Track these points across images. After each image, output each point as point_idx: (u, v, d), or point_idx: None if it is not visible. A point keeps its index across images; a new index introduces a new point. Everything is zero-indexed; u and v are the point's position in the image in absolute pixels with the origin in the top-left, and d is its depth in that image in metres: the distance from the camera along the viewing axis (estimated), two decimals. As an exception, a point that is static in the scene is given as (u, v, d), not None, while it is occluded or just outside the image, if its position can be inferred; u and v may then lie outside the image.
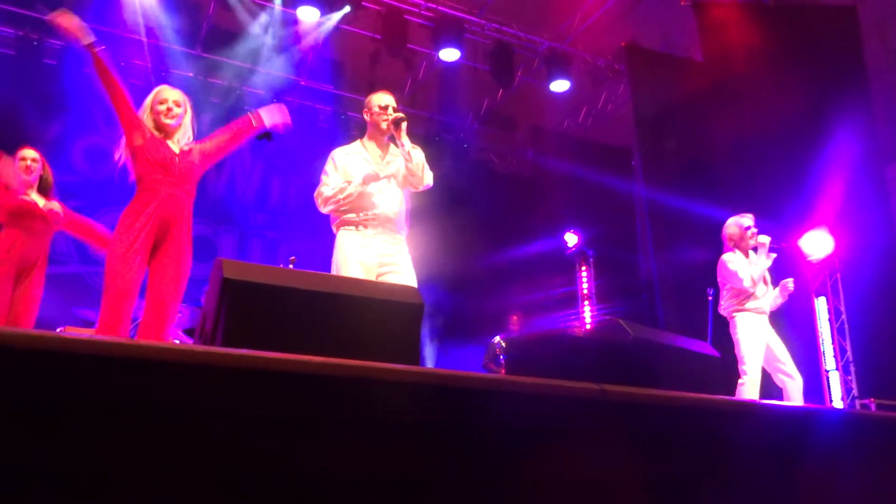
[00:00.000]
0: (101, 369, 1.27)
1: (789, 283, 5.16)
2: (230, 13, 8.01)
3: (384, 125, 3.72)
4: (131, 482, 1.26)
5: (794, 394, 4.86)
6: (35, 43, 7.93)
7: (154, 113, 3.53)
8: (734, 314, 5.06)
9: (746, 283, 4.98)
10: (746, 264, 5.07)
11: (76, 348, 1.26)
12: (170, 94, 3.58)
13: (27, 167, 4.50)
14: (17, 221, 4.39)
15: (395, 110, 3.73)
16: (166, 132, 3.53)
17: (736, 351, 5.01)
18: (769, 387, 5.07)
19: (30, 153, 4.55)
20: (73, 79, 7.93)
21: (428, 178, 3.74)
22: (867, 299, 7.28)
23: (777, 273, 5.33)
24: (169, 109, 3.52)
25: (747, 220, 5.21)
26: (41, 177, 4.55)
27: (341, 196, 3.59)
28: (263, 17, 8.29)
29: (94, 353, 1.27)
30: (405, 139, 3.64)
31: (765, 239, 5.09)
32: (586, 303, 10.09)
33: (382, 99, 3.77)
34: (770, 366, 5.00)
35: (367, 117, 3.83)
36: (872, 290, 7.22)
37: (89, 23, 8.70)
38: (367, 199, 3.61)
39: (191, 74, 8.63)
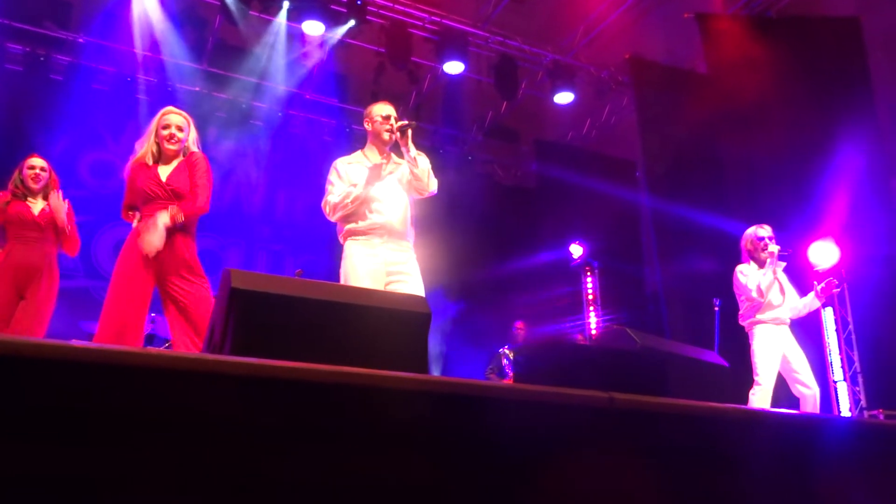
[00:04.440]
0: (111, 378, 1.28)
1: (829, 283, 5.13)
2: (236, 28, 8.07)
3: (386, 135, 3.75)
4: (145, 489, 1.26)
5: (811, 404, 4.85)
6: (42, 59, 8.01)
7: (158, 137, 3.65)
8: (752, 326, 5.06)
9: (754, 294, 4.99)
10: (758, 275, 5.06)
11: (87, 357, 1.27)
12: (173, 120, 3.67)
13: (35, 175, 4.54)
14: (11, 231, 4.44)
15: (397, 119, 3.76)
16: (167, 157, 3.64)
17: (751, 361, 5.01)
18: (786, 397, 5.04)
19: (38, 161, 4.61)
20: (80, 95, 8.00)
21: (433, 185, 3.77)
22: (874, 309, 7.24)
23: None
24: (171, 136, 3.64)
25: (763, 231, 5.19)
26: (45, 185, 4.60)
27: (348, 200, 3.62)
28: (268, 32, 8.35)
29: (104, 361, 1.28)
30: (411, 146, 3.65)
31: (773, 248, 5.07)
32: (592, 314, 10.07)
33: (384, 109, 3.80)
34: (787, 376, 4.98)
35: (368, 126, 3.85)
36: (879, 301, 7.19)
37: (95, 38, 8.70)
38: (372, 207, 3.63)
39: (197, 89, 8.69)
